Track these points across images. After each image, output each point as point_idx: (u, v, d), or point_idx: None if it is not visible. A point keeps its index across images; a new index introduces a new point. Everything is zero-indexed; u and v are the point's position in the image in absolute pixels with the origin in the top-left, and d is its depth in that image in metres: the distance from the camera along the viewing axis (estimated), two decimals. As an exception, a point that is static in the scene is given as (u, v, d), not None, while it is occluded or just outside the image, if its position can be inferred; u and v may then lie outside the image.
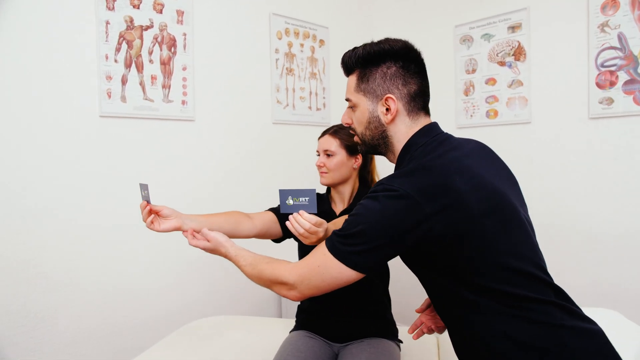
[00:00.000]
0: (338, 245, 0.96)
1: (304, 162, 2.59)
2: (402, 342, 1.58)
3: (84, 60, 1.88)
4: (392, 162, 1.13)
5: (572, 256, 2.30)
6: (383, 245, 0.93)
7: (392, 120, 1.07)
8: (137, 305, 2.04)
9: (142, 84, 2.05)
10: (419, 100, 1.09)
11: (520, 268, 0.92)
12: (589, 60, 2.19)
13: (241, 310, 2.42)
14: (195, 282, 2.24)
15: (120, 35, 1.98)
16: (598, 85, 2.16)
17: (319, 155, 1.58)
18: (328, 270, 0.97)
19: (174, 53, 2.16)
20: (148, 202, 1.24)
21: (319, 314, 1.55)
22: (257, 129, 2.49)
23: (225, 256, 1.22)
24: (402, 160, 1.07)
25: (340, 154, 1.54)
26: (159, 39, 2.10)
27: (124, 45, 1.99)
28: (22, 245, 1.73)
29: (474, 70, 2.64)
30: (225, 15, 2.34)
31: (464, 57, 2.68)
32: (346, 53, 1.13)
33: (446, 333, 1.78)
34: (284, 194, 1.13)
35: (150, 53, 2.08)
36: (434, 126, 1.10)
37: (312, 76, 2.74)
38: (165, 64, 2.13)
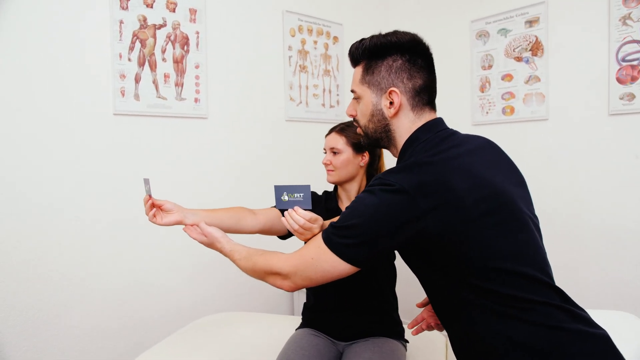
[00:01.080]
0: (332, 237, 0.96)
1: (317, 160, 2.56)
2: (408, 341, 1.57)
3: (98, 59, 1.91)
4: (395, 156, 1.12)
5: (590, 255, 2.24)
6: (377, 239, 0.92)
7: (396, 114, 1.05)
8: (149, 301, 2.07)
9: (155, 82, 2.07)
10: (424, 95, 1.06)
11: (521, 271, 0.90)
12: (609, 54, 2.12)
13: (253, 307, 2.43)
14: (207, 278, 2.27)
15: (134, 34, 2.01)
16: (619, 80, 2.10)
17: (325, 153, 1.58)
18: (321, 263, 0.97)
19: (187, 51, 2.18)
20: (150, 196, 1.25)
21: (324, 312, 1.55)
22: (270, 127, 2.49)
23: (221, 251, 1.23)
24: (404, 155, 1.06)
25: (347, 152, 1.53)
26: (172, 38, 2.13)
27: (138, 44, 2.02)
28: (35, 242, 1.77)
29: (490, 66, 2.59)
30: (238, 13, 2.35)
31: (480, 53, 2.63)
32: (353, 44, 1.12)
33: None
34: (279, 190, 1.13)
35: (164, 51, 2.10)
36: (438, 122, 1.07)
37: (326, 73, 2.73)
38: (178, 62, 2.15)
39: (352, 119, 1.19)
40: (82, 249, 1.87)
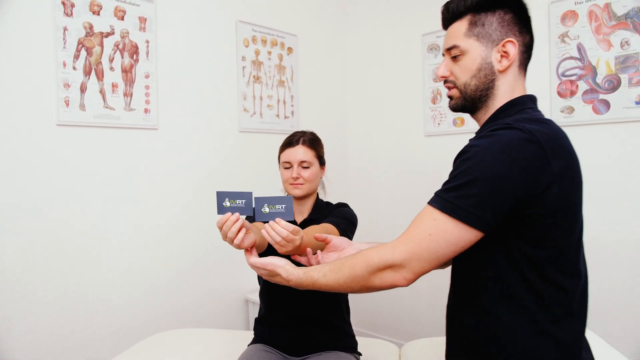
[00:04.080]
0: (453, 200, 0.84)
1: (271, 171, 2.56)
2: (361, 354, 1.57)
3: (39, 67, 1.82)
4: (478, 119, 1.05)
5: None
6: (505, 196, 0.82)
7: (506, 68, 1.00)
8: (99, 318, 1.98)
9: (102, 91, 2.01)
10: (529, 53, 1.04)
11: (581, 274, 0.92)
12: (550, 69, 2.22)
13: (207, 322, 2.38)
14: (161, 294, 2.19)
15: (79, 42, 1.94)
16: (559, 94, 2.20)
17: (288, 167, 1.54)
18: (443, 236, 0.84)
19: (137, 60, 2.12)
20: (246, 214, 1.09)
21: (276, 326, 1.53)
22: (224, 138, 2.46)
23: (288, 280, 1.01)
24: (502, 115, 0.98)
25: (315, 165, 1.55)
26: (120, 46, 2.06)
27: (83, 52, 1.95)
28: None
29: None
30: (190, 22, 2.32)
31: (432, 66, 2.70)
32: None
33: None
34: (259, 201, 1.07)
35: (111, 60, 2.04)
36: (536, 99, 1.04)
37: (280, 84, 2.72)
38: (127, 71, 2.09)
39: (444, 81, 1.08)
40: (24, 263, 1.77)
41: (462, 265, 0.98)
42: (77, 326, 1.91)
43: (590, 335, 1.67)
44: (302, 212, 1.58)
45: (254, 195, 1.09)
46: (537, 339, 0.87)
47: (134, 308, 2.10)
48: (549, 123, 0.90)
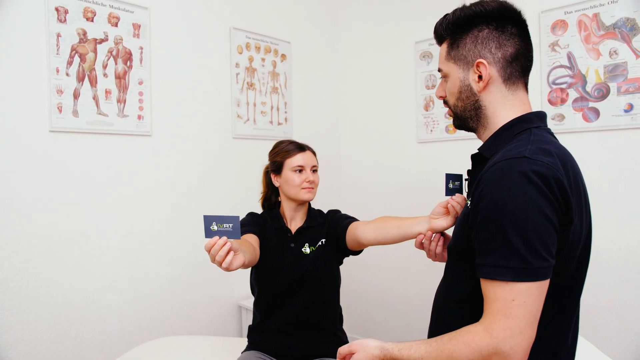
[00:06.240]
0: (520, 264, 0.80)
1: (265, 177, 2.56)
2: (355, 360, 1.57)
3: (32, 73, 1.82)
4: (480, 137, 1.06)
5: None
6: (553, 230, 0.82)
7: (485, 87, 0.98)
8: (89, 324, 1.96)
9: (95, 98, 2.00)
10: (517, 64, 0.98)
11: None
12: (541, 77, 2.25)
13: (200, 328, 2.37)
14: (152, 300, 2.18)
15: (73, 48, 1.93)
16: (550, 102, 2.23)
17: (300, 170, 1.56)
18: (526, 299, 0.80)
19: (130, 67, 2.12)
20: (234, 238, 1.07)
21: (270, 334, 1.53)
22: (217, 144, 2.46)
23: (383, 353, 0.95)
24: (506, 134, 0.97)
25: (318, 171, 1.61)
26: (114, 53, 2.06)
27: (77, 59, 1.94)
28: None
29: (433, 86, 2.68)
30: (183, 29, 2.32)
31: (424, 73, 2.72)
32: (437, 21, 1.06)
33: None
34: (448, 177, 1.25)
35: (105, 67, 2.04)
36: (545, 115, 1.01)
37: (274, 91, 2.73)
38: (121, 78, 2.09)
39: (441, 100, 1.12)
40: (14, 268, 1.75)
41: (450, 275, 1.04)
42: (66, 334, 1.90)
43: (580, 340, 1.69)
44: (296, 219, 1.59)
45: (446, 172, 1.26)
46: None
47: (125, 315, 2.09)
48: (567, 155, 0.91)
